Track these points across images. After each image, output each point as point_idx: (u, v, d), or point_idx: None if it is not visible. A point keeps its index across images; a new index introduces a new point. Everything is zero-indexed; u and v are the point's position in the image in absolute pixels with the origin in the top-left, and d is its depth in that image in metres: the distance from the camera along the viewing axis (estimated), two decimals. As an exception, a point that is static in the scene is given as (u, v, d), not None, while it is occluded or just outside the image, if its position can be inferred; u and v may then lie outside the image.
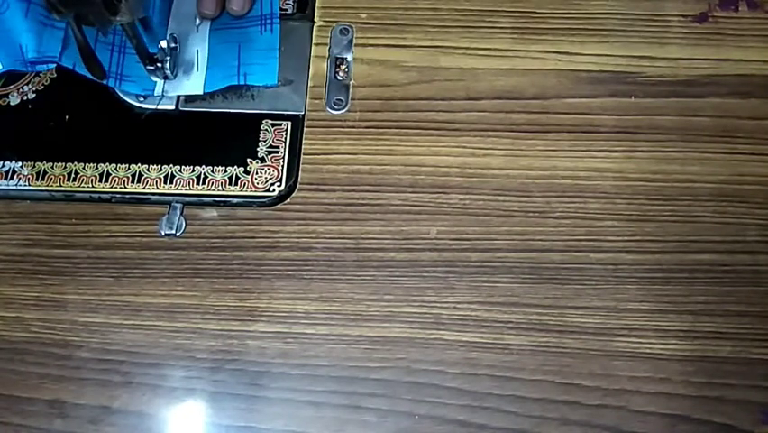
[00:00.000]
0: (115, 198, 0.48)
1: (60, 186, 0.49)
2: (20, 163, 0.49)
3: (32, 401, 0.44)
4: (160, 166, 0.49)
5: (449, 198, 0.48)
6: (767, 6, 0.53)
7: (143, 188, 0.48)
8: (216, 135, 0.50)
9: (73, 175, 0.49)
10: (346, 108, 0.51)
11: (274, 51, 0.52)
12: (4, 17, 0.49)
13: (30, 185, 0.49)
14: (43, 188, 0.49)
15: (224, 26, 0.53)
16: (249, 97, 0.51)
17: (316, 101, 0.51)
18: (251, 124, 0.50)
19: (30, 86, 0.52)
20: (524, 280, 0.46)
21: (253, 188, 0.48)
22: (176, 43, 0.51)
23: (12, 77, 0.52)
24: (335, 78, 0.52)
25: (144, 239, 0.48)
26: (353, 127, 0.50)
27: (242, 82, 0.51)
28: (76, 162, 0.49)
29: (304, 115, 0.51)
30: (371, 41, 0.53)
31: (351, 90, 0.51)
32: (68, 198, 0.49)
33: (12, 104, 0.51)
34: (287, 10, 0.54)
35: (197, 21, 0.53)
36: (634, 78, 0.51)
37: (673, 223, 0.47)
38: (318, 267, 0.47)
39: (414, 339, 0.45)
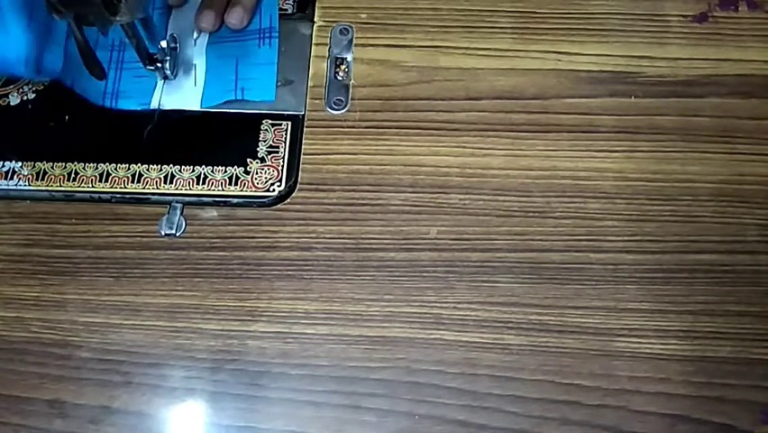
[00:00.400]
0: (115, 198, 0.48)
1: (60, 186, 0.49)
2: (20, 163, 0.49)
3: (32, 401, 0.44)
4: (159, 166, 0.49)
5: (449, 198, 0.48)
6: (767, 6, 0.53)
7: (143, 188, 0.48)
8: (216, 135, 0.50)
9: (73, 175, 0.49)
10: (346, 108, 0.51)
11: (272, 66, 0.51)
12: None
13: (30, 185, 0.49)
14: (43, 188, 0.49)
15: (221, 39, 0.52)
16: (249, 97, 0.51)
17: (316, 101, 0.51)
18: (250, 124, 0.50)
19: (30, 86, 0.52)
20: (524, 281, 0.46)
21: (253, 188, 0.48)
22: (176, 43, 0.51)
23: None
24: (335, 78, 0.52)
25: (144, 239, 0.48)
26: (353, 127, 0.50)
27: (239, 97, 0.50)
28: (76, 162, 0.49)
29: (304, 115, 0.51)
30: (371, 41, 0.53)
31: (351, 90, 0.51)
32: (68, 198, 0.49)
33: (12, 104, 0.51)
34: (287, 10, 0.54)
35: (195, 34, 0.53)
36: (634, 78, 0.51)
37: (673, 223, 0.47)
38: (318, 267, 0.47)
39: (414, 339, 0.45)
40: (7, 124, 0.51)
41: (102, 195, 0.48)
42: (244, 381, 0.44)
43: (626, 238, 0.47)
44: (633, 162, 0.49)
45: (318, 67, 0.52)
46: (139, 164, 0.49)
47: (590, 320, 0.45)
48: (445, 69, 0.52)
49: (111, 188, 0.48)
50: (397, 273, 0.46)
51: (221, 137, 0.50)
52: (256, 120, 0.50)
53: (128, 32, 0.45)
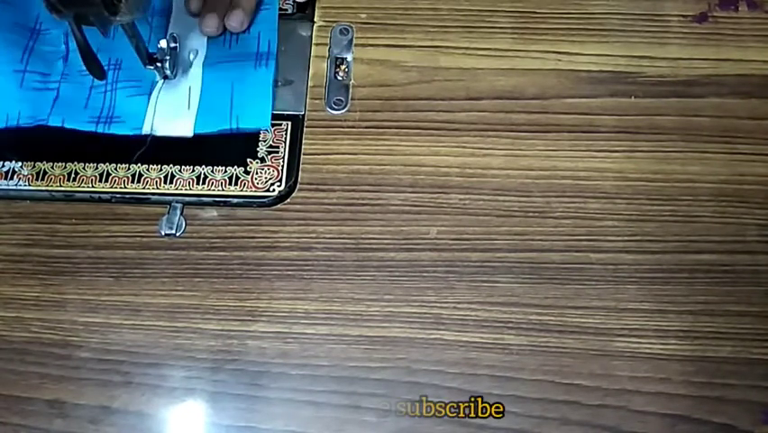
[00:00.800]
0: (115, 198, 0.48)
1: (60, 186, 0.48)
2: (20, 163, 0.49)
3: (32, 401, 0.44)
4: (159, 166, 0.49)
5: (449, 198, 0.48)
6: (767, 6, 0.53)
7: (143, 188, 0.48)
8: (216, 135, 0.50)
9: (73, 175, 0.49)
10: (346, 108, 0.51)
11: (268, 92, 0.50)
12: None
13: (30, 185, 0.49)
14: (43, 188, 0.49)
15: (218, 61, 0.52)
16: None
17: (316, 101, 0.51)
18: (251, 124, 0.50)
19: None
20: (524, 281, 0.46)
21: (253, 188, 0.48)
22: (176, 43, 0.51)
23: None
24: (335, 78, 0.52)
25: (144, 239, 0.48)
26: (353, 127, 0.50)
27: (234, 126, 0.49)
28: (76, 162, 0.49)
29: (304, 115, 0.51)
30: (371, 41, 0.53)
31: (351, 90, 0.51)
32: (68, 198, 0.49)
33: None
34: (286, 10, 0.54)
35: (191, 56, 0.52)
36: (634, 78, 0.51)
37: (673, 223, 0.47)
38: (318, 267, 0.46)
39: (414, 339, 0.45)
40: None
41: (102, 195, 0.48)
42: (244, 381, 0.44)
43: (626, 238, 0.47)
44: (633, 162, 0.49)
45: (318, 67, 0.52)
46: (139, 164, 0.49)
47: (590, 320, 0.45)
48: (445, 69, 0.52)
49: (111, 188, 0.48)
50: (397, 273, 0.46)
51: (221, 137, 0.50)
52: (256, 120, 0.50)
53: (128, 32, 0.45)
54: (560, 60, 0.52)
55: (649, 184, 0.48)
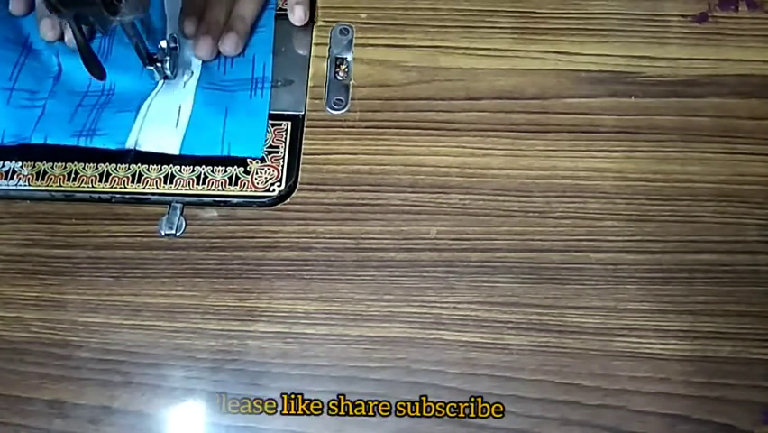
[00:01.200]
0: (115, 198, 0.48)
1: (60, 186, 0.49)
2: (20, 163, 0.49)
3: (32, 401, 0.44)
4: (159, 166, 0.49)
5: (449, 198, 0.48)
6: (767, 6, 0.53)
7: (143, 188, 0.48)
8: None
9: (73, 175, 0.49)
10: (346, 108, 0.51)
11: (262, 120, 0.50)
12: None
13: (30, 185, 0.49)
14: (43, 188, 0.49)
15: (212, 86, 0.51)
16: (249, 97, 0.51)
17: (316, 101, 0.51)
18: (251, 125, 0.50)
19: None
20: (524, 281, 0.46)
21: (253, 188, 0.48)
22: (176, 43, 0.51)
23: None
24: (335, 78, 0.52)
25: (144, 239, 0.48)
26: (353, 127, 0.50)
27: (225, 153, 0.49)
28: (76, 162, 0.49)
29: (304, 115, 0.51)
30: (371, 41, 0.53)
31: (351, 90, 0.51)
32: (68, 198, 0.49)
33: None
34: (286, 10, 0.54)
35: (186, 76, 0.51)
36: (634, 78, 0.51)
37: (673, 223, 0.47)
38: (318, 267, 0.47)
39: (414, 339, 0.45)
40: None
41: (102, 195, 0.48)
42: (244, 381, 0.44)
43: (626, 238, 0.47)
44: (633, 162, 0.49)
45: (318, 67, 0.52)
46: (139, 164, 0.49)
47: (590, 320, 0.45)
48: (445, 69, 0.52)
49: (111, 188, 0.48)
50: (397, 273, 0.46)
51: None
52: (256, 120, 0.50)
53: (128, 32, 0.45)
54: (560, 60, 0.52)
55: (649, 184, 0.48)
